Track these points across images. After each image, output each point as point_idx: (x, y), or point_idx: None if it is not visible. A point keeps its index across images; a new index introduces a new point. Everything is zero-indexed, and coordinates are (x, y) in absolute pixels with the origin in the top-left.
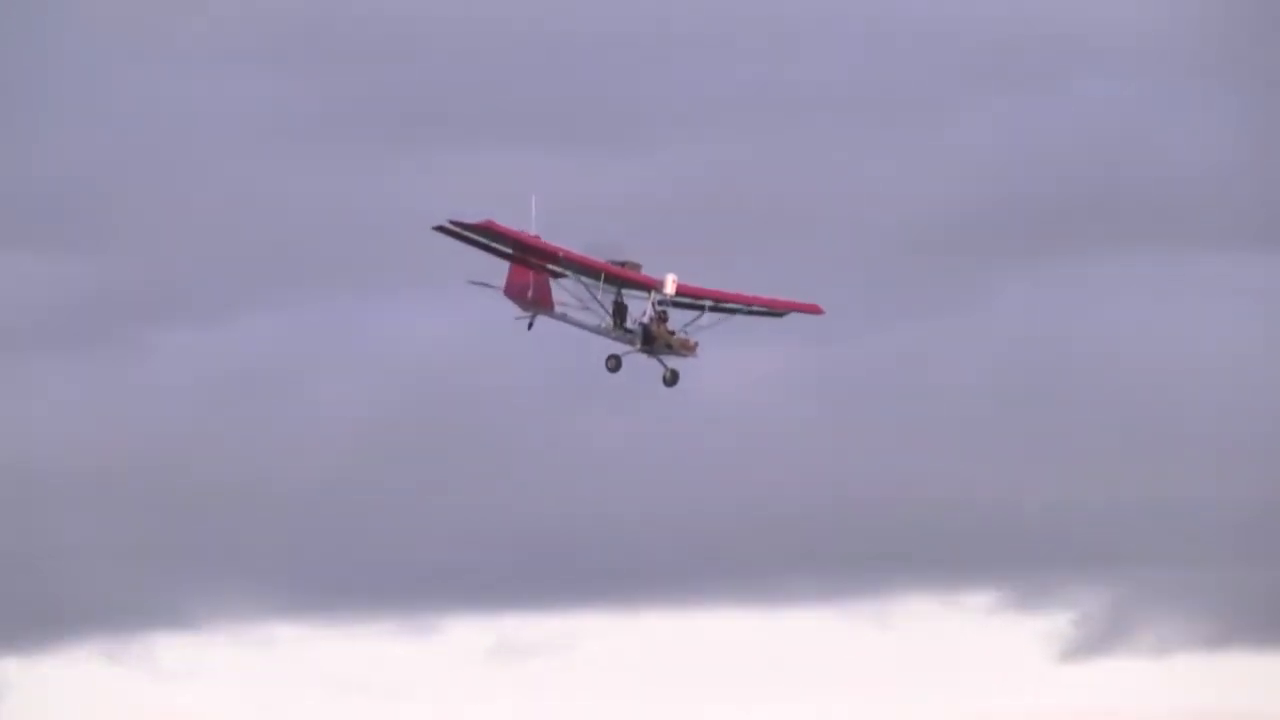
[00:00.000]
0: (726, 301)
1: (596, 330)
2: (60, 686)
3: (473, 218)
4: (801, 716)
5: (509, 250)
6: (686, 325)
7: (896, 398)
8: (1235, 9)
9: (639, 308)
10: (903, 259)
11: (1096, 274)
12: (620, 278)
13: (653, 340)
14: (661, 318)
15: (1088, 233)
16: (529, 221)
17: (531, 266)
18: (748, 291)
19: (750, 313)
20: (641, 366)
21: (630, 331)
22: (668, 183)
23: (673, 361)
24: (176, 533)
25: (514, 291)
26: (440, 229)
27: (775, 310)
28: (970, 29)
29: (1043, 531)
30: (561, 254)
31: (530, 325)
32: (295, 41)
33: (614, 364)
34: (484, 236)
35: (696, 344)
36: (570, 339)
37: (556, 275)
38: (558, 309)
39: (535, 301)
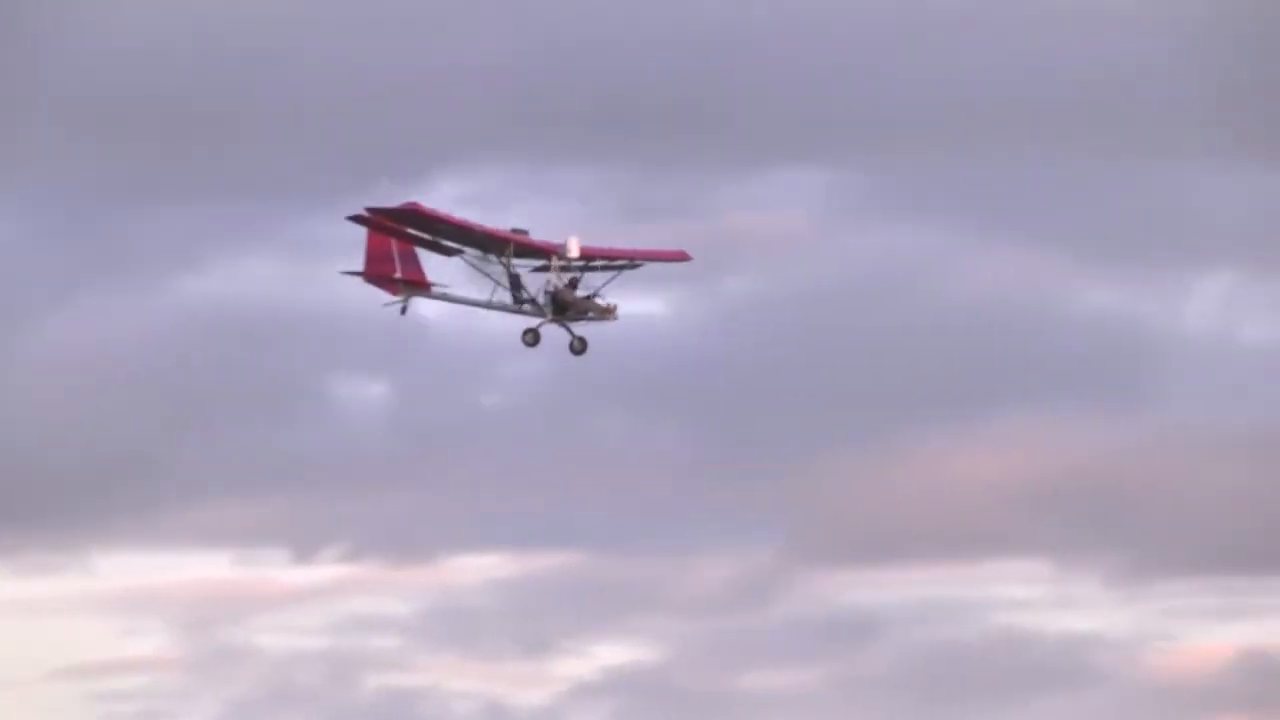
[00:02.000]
0: (614, 259)
1: (487, 306)
2: None
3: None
4: None
5: (424, 236)
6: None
7: None
8: None
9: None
10: None
11: None
12: (528, 247)
13: (566, 308)
14: (572, 284)
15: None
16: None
17: (423, 245)
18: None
19: (622, 268)
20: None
21: (531, 302)
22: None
23: (580, 328)
24: None
25: (377, 271)
26: (355, 218)
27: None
28: None
29: None
30: (479, 230)
31: (404, 310)
32: None
33: (531, 338)
34: (405, 222)
35: (615, 306)
36: (462, 318)
37: (451, 253)
38: (435, 288)
39: (408, 282)
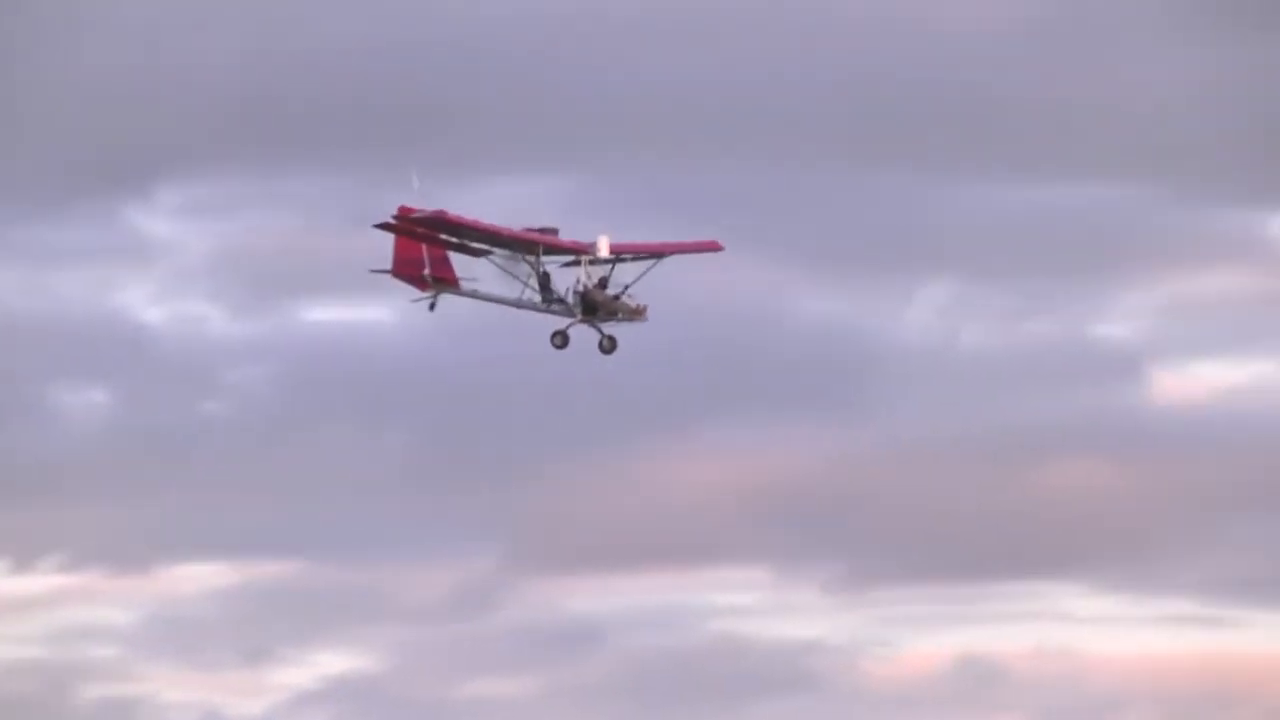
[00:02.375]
0: (644, 254)
1: (517, 304)
2: None
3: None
4: None
5: (452, 240)
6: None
7: None
8: None
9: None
10: None
11: None
12: (557, 247)
13: (596, 309)
14: (601, 283)
15: None
16: (413, 194)
17: (449, 247)
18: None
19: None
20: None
21: (561, 302)
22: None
23: (610, 328)
24: None
25: (406, 270)
26: (384, 226)
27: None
28: None
29: None
30: (506, 234)
31: (432, 306)
32: None
33: (560, 340)
34: (433, 228)
35: (646, 307)
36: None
37: (479, 254)
38: (464, 285)
39: (436, 279)
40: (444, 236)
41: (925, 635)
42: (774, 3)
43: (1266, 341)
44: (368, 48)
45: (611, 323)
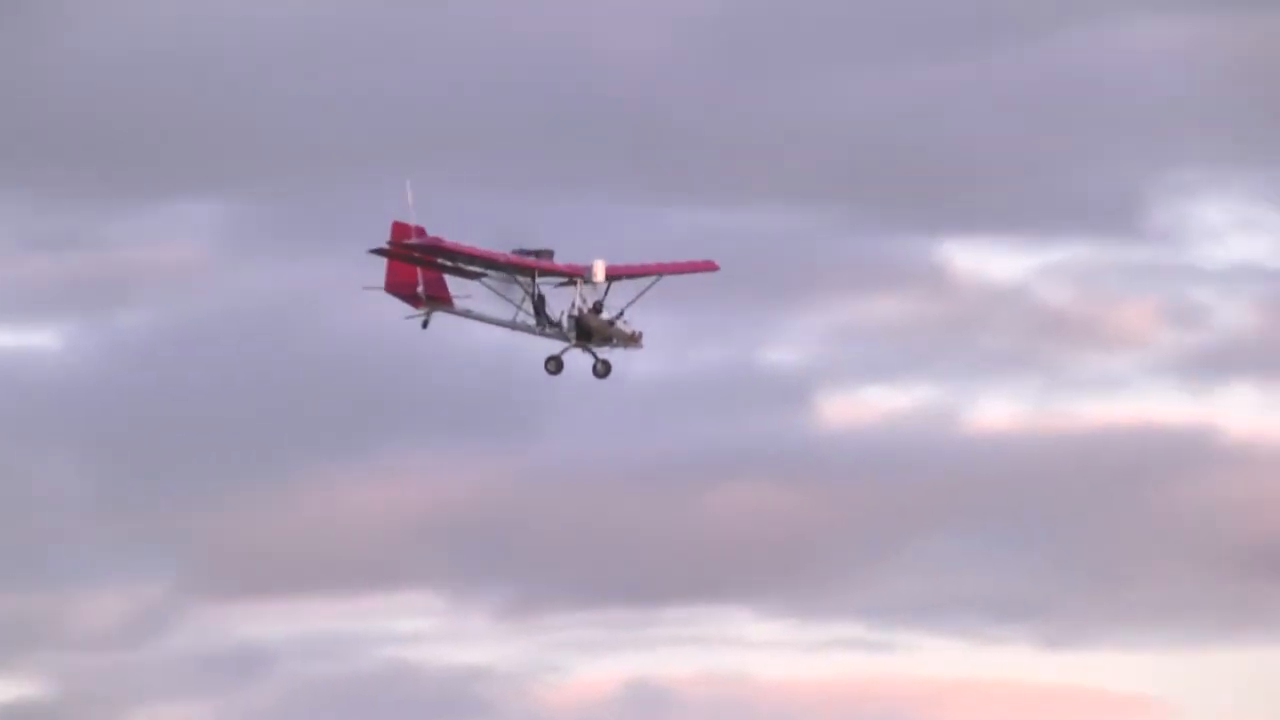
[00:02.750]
0: (638, 275)
1: (511, 326)
2: None
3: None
4: None
5: (446, 264)
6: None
7: None
8: None
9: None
10: None
11: None
12: (552, 271)
13: (590, 334)
14: (596, 308)
15: None
16: (407, 212)
17: (444, 270)
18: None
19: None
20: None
21: (555, 325)
22: None
23: (604, 351)
24: None
25: (399, 287)
26: (379, 251)
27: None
28: None
29: None
30: (501, 260)
31: (425, 324)
32: None
33: (554, 366)
34: (429, 254)
35: (641, 334)
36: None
37: (474, 277)
38: (458, 304)
39: (430, 297)
40: (440, 260)
41: (596, 661)
42: (437, 19)
43: (933, 366)
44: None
45: (606, 347)
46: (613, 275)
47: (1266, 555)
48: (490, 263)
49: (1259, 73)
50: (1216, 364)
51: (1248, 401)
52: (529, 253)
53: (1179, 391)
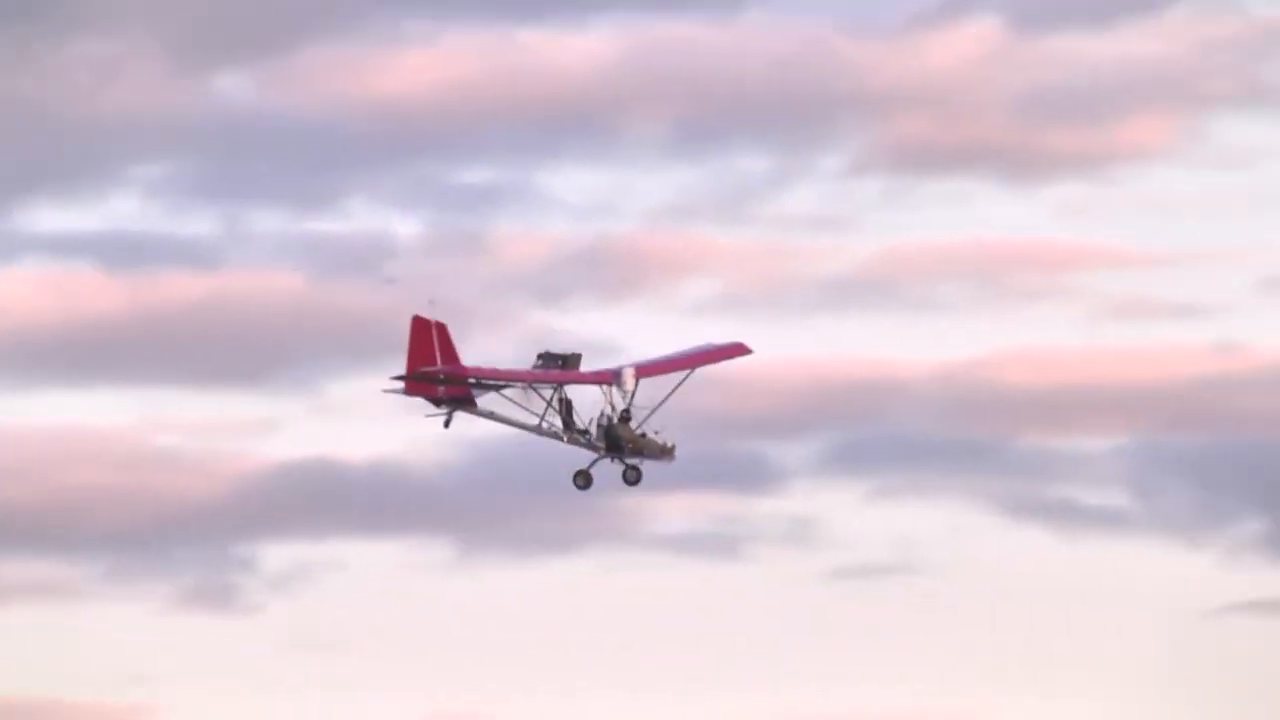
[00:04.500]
0: (669, 371)
1: (537, 431)
2: None
3: None
4: None
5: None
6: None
7: None
8: None
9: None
10: None
11: None
12: (579, 381)
13: (620, 446)
14: (624, 417)
15: None
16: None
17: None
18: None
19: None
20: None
21: (584, 433)
22: None
23: (635, 459)
24: None
25: (421, 388)
26: (399, 377)
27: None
28: None
29: None
30: (526, 378)
31: (447, 423)
32: None
33: (583, 481)
34: (452, 379)
35: (674, 447)
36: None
37: (498, 389)
38: (481, 405)
39: (452, 398)
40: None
41: None
42: None
43: None
44: None
45: (638, 460)
46: (642, 377)
47: None
48: (512, 380)
49: None
50: None
51: None
52: (556, 358)
53: None
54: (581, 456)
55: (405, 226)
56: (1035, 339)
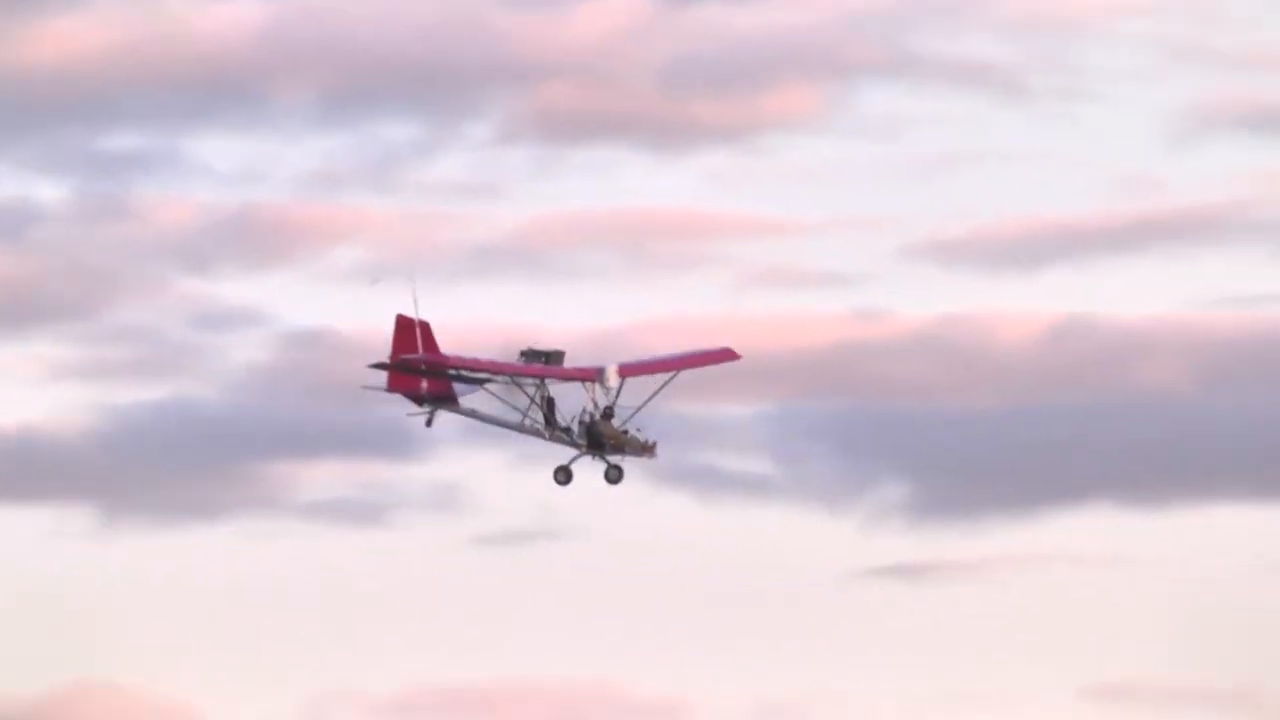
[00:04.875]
0: (654, 372)
1: (519, 428)
2: None
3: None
4: None
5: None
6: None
7: None
8: None
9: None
10: None
11: None
12: (562, 377)
13: (602, 443)
14: (607, 414)
15: None
16: (413, 309)
17: (450, 378)
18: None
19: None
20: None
21: (565, 430)
22: None
23: (616, 457)
24: None
25: (402, 386)
26: (380, 366)
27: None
28: None
29: None
30: (508, 370)
31: (429, 422)
32: None
33: (564, 477)
34: (433, 368)
35: (655, 444)
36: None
37: (480, 382)
38: (464, 403)
39: (434, 396)
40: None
41: None
42: None
43: None
44: None
45: (619, 458)
46: (626, 375)
47: None
48: (495, 371)
49: None
50: None
51: None
52: (539, 354)
53: None
54: (564, 455)
55: (50, 191)
56: (682, 307)
